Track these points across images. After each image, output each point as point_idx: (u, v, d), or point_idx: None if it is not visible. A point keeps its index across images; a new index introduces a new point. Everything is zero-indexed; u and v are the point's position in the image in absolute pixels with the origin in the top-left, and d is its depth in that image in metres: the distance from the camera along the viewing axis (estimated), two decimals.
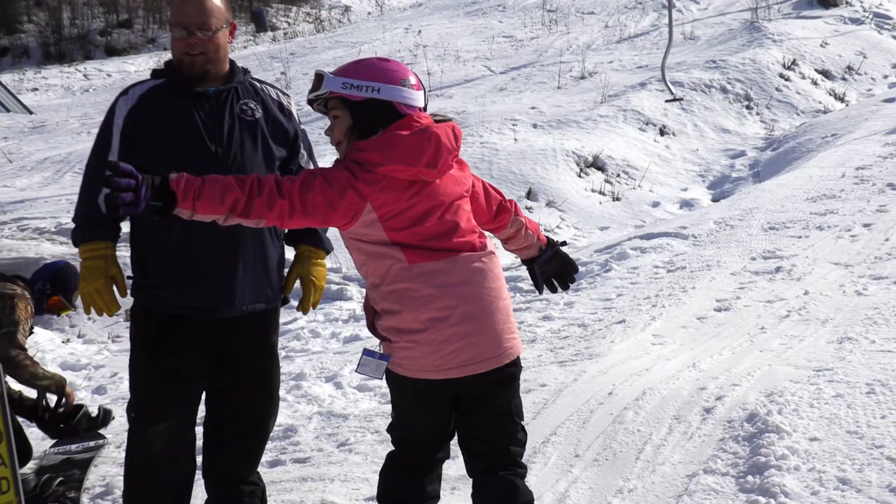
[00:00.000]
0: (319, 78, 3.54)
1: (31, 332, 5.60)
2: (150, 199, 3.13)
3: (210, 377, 4.15)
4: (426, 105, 3.55)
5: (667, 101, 13.28)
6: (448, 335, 3.37)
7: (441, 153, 3.37)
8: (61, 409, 5.59)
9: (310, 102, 3.62)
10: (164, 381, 4.03)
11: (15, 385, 5.64)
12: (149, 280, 3.99)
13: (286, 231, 4.25)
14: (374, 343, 3.68)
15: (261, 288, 4.11)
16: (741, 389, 5.53)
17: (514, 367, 3.57)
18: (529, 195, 13.56)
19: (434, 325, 3.36)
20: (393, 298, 3.41)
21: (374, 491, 4.70)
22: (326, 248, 4.36)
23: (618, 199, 13.89)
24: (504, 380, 3.52)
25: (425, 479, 3.66)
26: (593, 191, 13.98)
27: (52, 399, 5.62)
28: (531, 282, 4.24)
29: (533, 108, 16.16)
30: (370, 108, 3.41)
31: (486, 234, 3.67)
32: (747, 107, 16.77)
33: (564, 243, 3.96)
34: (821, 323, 6.85)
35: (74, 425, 5.65)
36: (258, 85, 4.21)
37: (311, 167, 4.24)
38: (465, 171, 3.62)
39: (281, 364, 7.60)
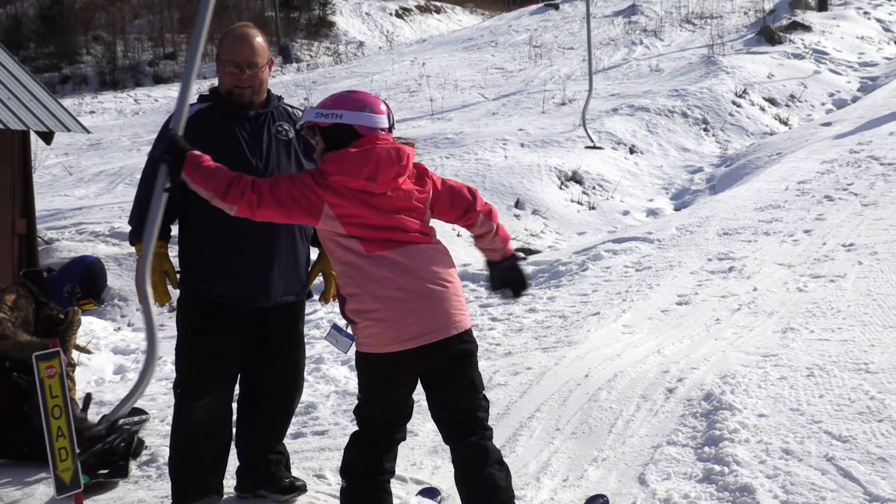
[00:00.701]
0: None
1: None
2: (165, 152, 3.55)
3: (245, 359, 4.15)
4: (391, 126, 3.61)
5: (586, 147, 12.37)
6: (402, 311, 3.42)
7: (381, 169, 3.44)
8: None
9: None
10: (208, 362, 4.03)
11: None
12: (195, 274, 4.00)
13: (313, 232, 4.25)
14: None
15: (292, 282, 4.14)
16: (699, 372, 5.51)
17: (470, 343, 3.58)
18: (518, 205, 13.53)
19: (390, 303, 3.42)
20: (355, 283, 3.47)
21: None
22: None
23: (593, 208, 13.86)
24: (463, 356, 3.53)
25: (384, 456, 3.62)
26: (572, 201, 13.94)
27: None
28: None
29: (521, 129, 16.13)
30: (335, 130, 3.52)
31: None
32: (705, 129, 16.72)
33: (524, 258, 3.98)
34: (767, 315, 6.83)
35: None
36: (290, 109, 4.26)
37: None
38: (423, 184, 3.64)
39: None
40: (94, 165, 17.03)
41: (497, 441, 4.77)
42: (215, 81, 4.27)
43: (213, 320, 4.01)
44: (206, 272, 3.99)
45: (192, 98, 3.93)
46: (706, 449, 4.48)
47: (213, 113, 4.04)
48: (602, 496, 4.27)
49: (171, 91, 25.89)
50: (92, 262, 5.48)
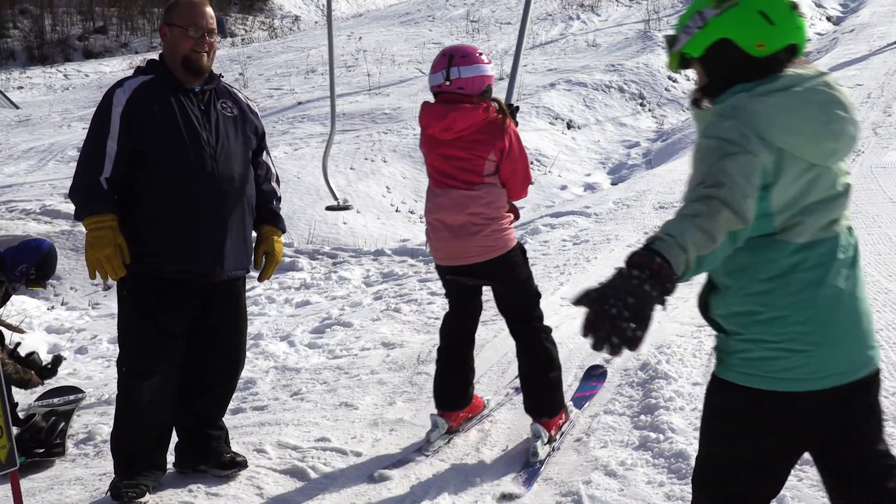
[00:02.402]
0: None
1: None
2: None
3: (191, 334, 4.13)
4: (445, 80, 4.28)
5: (327, 207, 11.06)
6: (436, 237, 4.46)
7: (429, 123, 4.35)
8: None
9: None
10: (156, 339, 4.00)
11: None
12: (144, 248, 3.93)
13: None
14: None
15: (241, 256, 4.15)
16: None
17: (497, 264, 4.45)
18: None
19: (431, 227, 4.50)
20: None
21: (323, 433, 4.74)
22: (283, 229, 4.37)
23: (531, 183, 13.95)
24: (493, 275, 4.53)
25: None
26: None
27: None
28: None
29: None
30: None
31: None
32: (641, 104, 16.91)
33: None
34: (700, 284, 6.95)
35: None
36: (230, 88, 4.27)
37: (270, 161, 4.40)
38: (487, 146, 4.28)
39: None
40: (23, 142, 16.67)
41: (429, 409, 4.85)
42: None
43: (162, 297, 3.98)
44: (158, 246, 3.94)
45: (120, 74, 3.88)
46: (642, 417, 4.57)
47: (159, 85, 4.01)
48: (600, 366, 4.52)
49: (102, 66, 25.42)
50: (49, 247, 5.60)
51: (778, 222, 2.35)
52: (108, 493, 4.01)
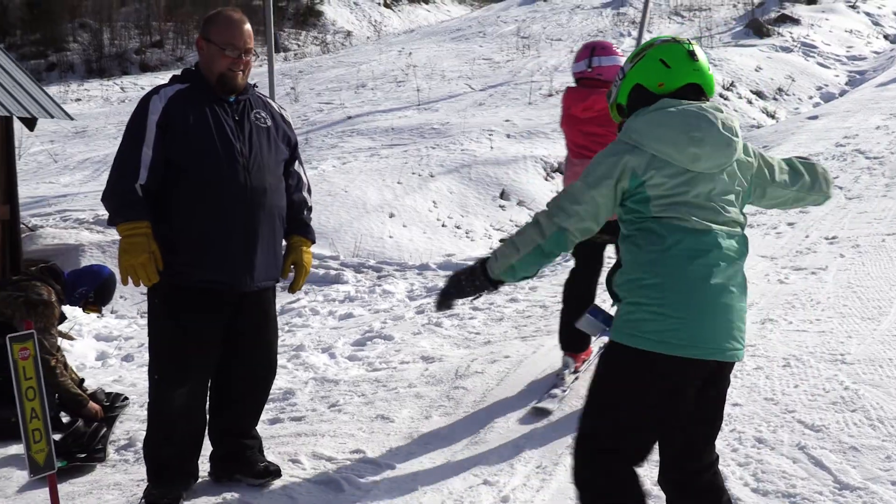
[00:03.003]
0: None
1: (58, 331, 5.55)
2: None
3: (222, 344, 4.15)
4: (587, 68, 5.27)
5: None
6: None
7: (567, 101, 5.35)
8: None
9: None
10: (188, 348, 4.01)
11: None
12: (176, 257, 3.96)
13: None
14: None
15: (272, 267, 4.16)
16: None
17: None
18: (503, 195, 13.56)
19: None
20: None
21: (358, 445, 4.74)
22: (312, 239, 4.38)
23: None
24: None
25: None
26: (557, 192, 13.95)
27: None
28: None
29: (507, 120, 16.15)
30: None
31: None
32: None
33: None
34: (748, 306, 6.87)
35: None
36: (264, 98, 4.28)
37: (302, 171, 4.41)
38: (610, 123, 4.84)
39: (283, 337, 7.68)
40: (79, 153, 16.98)
41: (473, 428, 4.84)
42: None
43: (192, 305, 3.99)
44: (190, 256, 3.95)
45: (165, 79, 3.92)
46: None
47: (194, 94, 4.02)
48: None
49: (157, 79, 25.79)
50: (110, 274, 5.72)
51: (655, 209, 2.89)
52: (143, 500, 4.04)
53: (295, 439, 4.91)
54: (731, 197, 2.96)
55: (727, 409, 4.67)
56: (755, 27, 21.35)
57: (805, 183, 3.25)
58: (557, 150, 14.85)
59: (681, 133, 2.88)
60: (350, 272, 10.44)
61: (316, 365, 6.35)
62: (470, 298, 3.08)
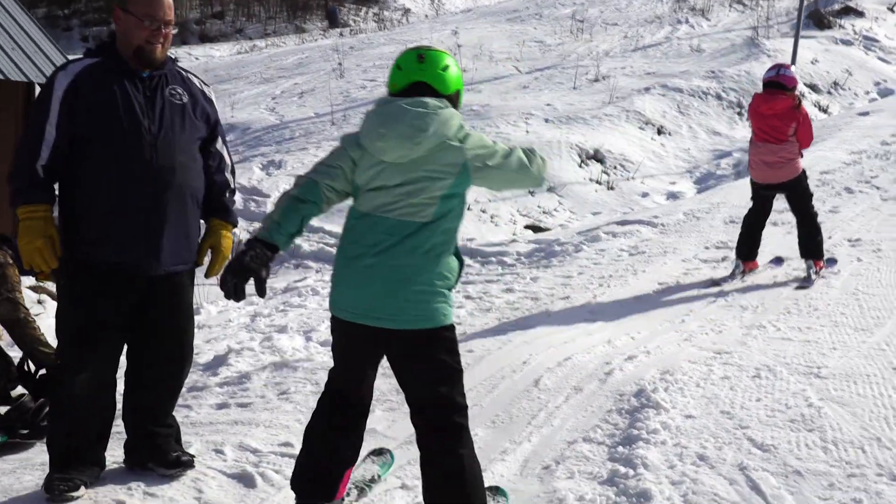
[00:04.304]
0: None
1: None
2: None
3: (132, 329, 3.99)
4: (774, 74, 7.63)
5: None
6: (756, 169, 7.78)
7: (756, 101, 7.72)
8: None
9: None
10: (88, 331, 3.85)
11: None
12: (79, 237, 3.82)
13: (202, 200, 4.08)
14: None
15: (182, 250, 3.97)
16: (641, 366, 5.25)
17: (794, 181, 7.75)
18: None
19: (755, 164, 7.80)
20: None
21: (289, 437, 4.55)
22: (234, 222, 4.19)
23: (612, 188, 13.53)
24: (795, 186, 7.94)
25: None
26: (591, 180, 13.62)
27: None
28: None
29: (548, 104, 15.81)
30: None
31: None
32: (739, 113, 16.25)
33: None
34: (742, 310, 6.55)
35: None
36: (184, 73, 4.08)
37: (224, 151, 4.19)
38: (785, 119, 7.47)
39: (273, 316, 7.52)
40: None
41: (411, 427, 4.60)
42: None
43: (95, 287, 3.82)
44: (92, 236, 3.79)
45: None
46: (619, 448, 4.23)
47: (105, 70, 3.85)
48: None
49: (212, 50, 25.89)
50: None
51: (359, 193, 3.33)
52: (42, 488, 3.90)
53: (230, 427, 4.73)
54: (423, 185, 3.25)
55: (678, 421, 4.42)
56: (816, 18, 20.62)
57: (514, 164, 3.42)
58: (594, 136, 14.50)
59: (374, 129, 3.28)
60: None
61: (283, 349, 6.16)
62: (263, 273, 3.19)
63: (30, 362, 5.41)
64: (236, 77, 20.39)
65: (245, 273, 3.17)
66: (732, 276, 7.52)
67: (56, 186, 3.84)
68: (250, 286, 3.22)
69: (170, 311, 4.02)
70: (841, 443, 4.14)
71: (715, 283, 7.40)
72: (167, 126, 3.86)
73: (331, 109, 15.75)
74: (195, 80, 4.10)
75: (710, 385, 4.91)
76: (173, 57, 4.08)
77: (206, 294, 8.19)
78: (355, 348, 3.45)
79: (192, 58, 24.64)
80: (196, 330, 7.17)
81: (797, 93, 7.57)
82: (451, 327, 3.37)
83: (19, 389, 5.52)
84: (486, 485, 3.84)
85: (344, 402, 3.54)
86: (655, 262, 8.32)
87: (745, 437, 4.25)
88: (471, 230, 11.82)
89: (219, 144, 4.12)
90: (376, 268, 3.25)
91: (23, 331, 5.39)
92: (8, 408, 5.05)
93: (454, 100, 3.40)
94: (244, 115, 16.34)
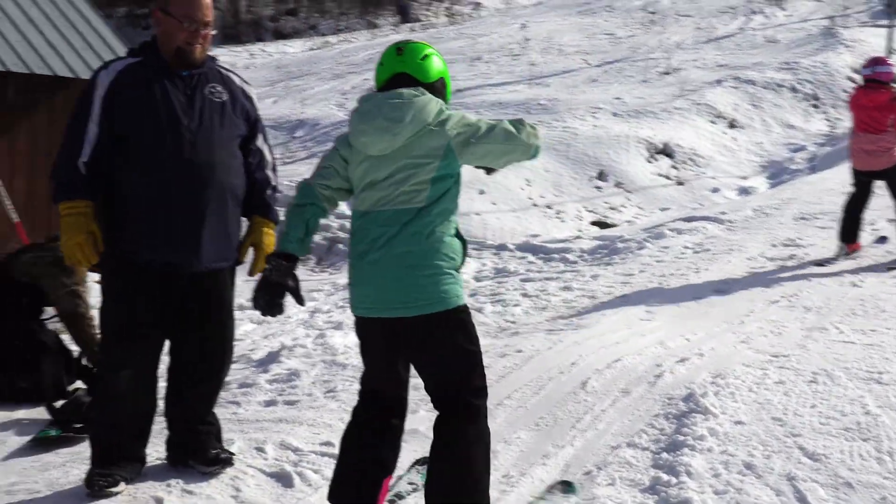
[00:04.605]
0: None
1: None
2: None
3: (172, 327, 4.01)
4: (871, 73, 8.17)
5: None
6: (855, 158, 8.29)
7: (858, 94, 8.33)
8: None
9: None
10: (129, 329, 3.89)
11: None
12: (119, 234, 3.85)
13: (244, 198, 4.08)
14: None
15: (223, 248, 3.97)
16: (693, 369, 5.10)
17: (891, 167, 8.19)
18: (600, 176, 13.09)
19: (854, 152, 8.35)
20: None
21: (332, 437, 4.52)
22: (275, 220, 4.17)
23: (681, 183, 13.30)
24: (891, 173, 8.37)
25: None
26: (659, 175, 13.40)
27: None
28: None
29: (617, 98, 15.57)
30: None
31: None
32: (814, 105, 15.85)
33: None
34: (805, 310, 6.34)
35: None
36: (224, 72, 4.08)
37: (265, 149, 4.19)
38: (884, 111, 7.98)
39: (333, 312, 7.51)
40: None
41: None
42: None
43: (135, 284, 3.85)
44: (132, 233, 3.83)
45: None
46: (664, 455, 4.10)
47: (145, 69, 3.88)
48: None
49: (286, 46, 26.11)
50: None
51: (356, 193, 3.41)
52: (84, 482, 3.93)
53: (274, 425, 4.73)
54: (409, 172, 3.30)
55: (727, 427, 4.28)
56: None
57: (499, 136, 3.41)
58: (664, 131, 14.25)
59: (356, 124, 3.37)
60: None
61: (335, 346, 6.16)
62: (290, 283, 3.30)
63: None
64: (308, 73, 20.54)
65: (272, 288, 3.29)
66: (836, 257, 8.01)
67: (98, 183, 3.88)
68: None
69: (209, 308, 4.02)
70: None
71: (819, 263, 7.86)
72: (206, 124, 3.88)
73: None
74: (235, 78, 4.11)
75: (764, 390, 4.75)
76: (213, 56, 4.08)
77: None
78: (377, 344, 3.45)
79: (266, 54, 24.89)
80: (253, 326, 7.31)
81: (894, 85, 8.05)
82: (464, 308, 3.38)
83: (77, 383, 5.64)
84: (539, 487, 3.82)
85: (378, 403, 3.52)
86: (719, 261, 8.13)
87: (796, 446, 4.09)
88: (535, 226, 11.72)
89: (259, 141, 4.12)
90: (382, 260, 3.29)
91: (80, 326, 5.48)
92: (64, 401, 5.14)
93: (439, 88, 3.43)
94: (314, 111, 16.44)
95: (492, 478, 3.99)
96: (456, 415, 3.37)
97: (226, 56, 25.10)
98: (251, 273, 4.14)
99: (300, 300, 3.35)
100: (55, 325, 5.79)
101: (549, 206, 12.41)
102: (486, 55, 19.55)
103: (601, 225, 12.01)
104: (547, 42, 19.99)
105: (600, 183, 13.08)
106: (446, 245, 3.33)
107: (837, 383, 4.79)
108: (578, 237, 10.28)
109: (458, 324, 3.36)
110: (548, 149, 13.49)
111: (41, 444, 4.70)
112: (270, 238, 4.13)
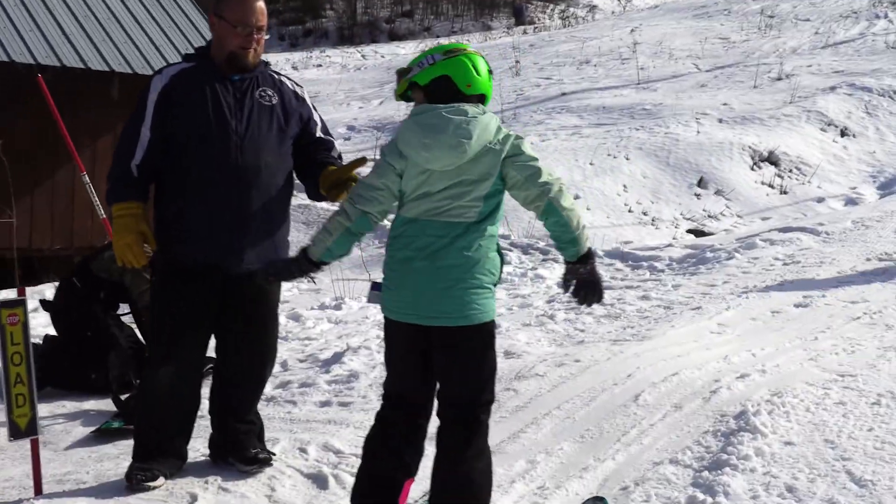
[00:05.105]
0: None
1: None
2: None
3: (219, 326, 4.11)
4: None
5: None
6: None
7: None
8: None
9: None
10: (176, 327, 4.00)
11: None
12: (168, 235, 3.97)
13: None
14: None
15: (265, 250, 4.05)
16: (752, 386, 4.94)
17: None
18: (700, 183, 12.81)
19: None
20: None
21: None
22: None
23: (785, 192, 12.90)
24: None
25: None
26: (762, 183, 13.03)
27: None
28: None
29: (724, 104, 15.21)
30: None
31: None
32: None
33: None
34: (886, 328, 6.07)
35: None
36: (276, 76, 4.18)
37: (329, 138, 4.26)
38: None
39: None
40: None
41: (498, 436, 4.51)
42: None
43: (181, 284, 3.97)
44: (179, 234, 3.96)
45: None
46: (705, 473, 3.98)
47: (198, 73, 4.01)
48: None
49: (398, 48, 26.35)
50: None
51: (404, 201, 3.41)
52: (124, 476, 4.05)
53: (322, 426, 4.78)
54: (468, 188, 3.33)
55: (775, 447, 4.14)
56: None
57: (540, 174, 3.38)
58: (770, 138, 13.85)
59: (417, 139, 3.33)
60: (517, 252, 10.17)
61: None
62: (297, 279, 3.58)
63: None
64: None
65: (287, 275, 3.59)
66: None
67: (150, 186, 4.01)
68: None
69: (252, 309, 4.11)
70: None
71: None
72: (254, 126, 3.98)
73: (501, 108, 15.71)
74: (287, 82, 4.21)
75: (822, 410, 4.57)
76: (266, 61, 4.17)
77: (351, 290, 8.35)
78: (408, 347, 3.49)
79: (378, 55, 25.19)
80: (330, 325, 7.40)
81: None
82: (494, 323, 3.49)
83: None
84: (572, 501, 3.79)
85: (406, 406, 3.56)
86: (808, 273, 7.85)
87: (844, 470, 3.92)
88: (629, 233, 11.54)
89: (319, 133, 4.20)
90: (428, 269, 3.34)
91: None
92: (128, 394, 5.30)
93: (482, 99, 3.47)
94: None
95: (527, 489, 4.00)
96: (463, 426, 3.43)
97: (338, 57, 25.55)
98: (326, 191, 4.04)
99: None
100: (130, 322, 5.98)
101: (644, 213, 12.22)
102: (595, 58, 19.36)
103: (697, 233, 11.74)
104: (658, 46, 19.66)
105: (700, 190, 12.80)
106: (490, 261, 3.40)
107: None
108: (670, 245, 10.07)
109: (488, 338, 3.47)
110: (649, 154, 13.29)
111: (104, 435, 4.86)
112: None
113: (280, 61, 24.73)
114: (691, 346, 5.75)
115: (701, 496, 3.79)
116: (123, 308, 5.94)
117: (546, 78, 18.26)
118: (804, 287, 7.32)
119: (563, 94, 16.81)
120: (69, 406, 5.45)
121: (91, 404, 5.47)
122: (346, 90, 20.09)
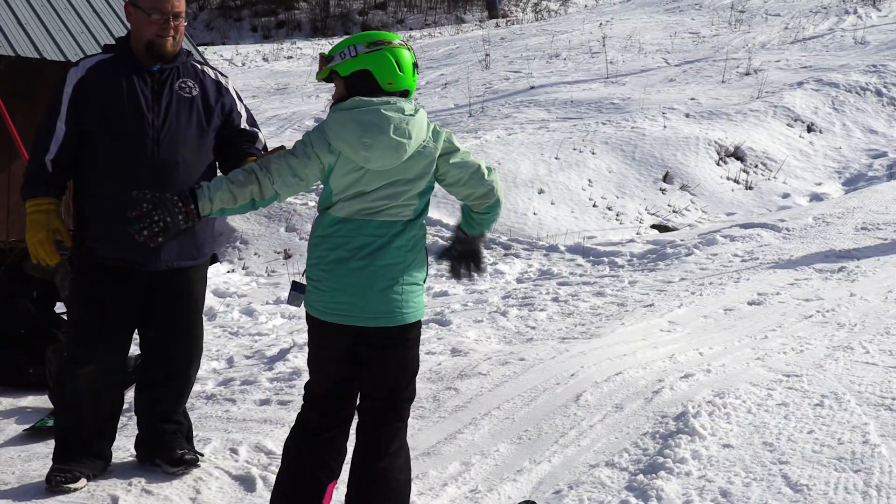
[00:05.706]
0: None
1: None
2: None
3: (138, 325, 3.99)
4: None
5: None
6: None
7: None
8: None
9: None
10: (93, 327, 3.89)
11: None
12: (85, 232, 3.85)
13: None
14: None
15: (186, 246, 3.94)
16: (695, 386, 4.86)
17: None
18: (666, 178, 12.73)
19: None
20: None
21: None
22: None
23: (750, 188, 12.84)
24: None
25: None
26: (728, 178, 12.95)
27: None
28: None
29: (692, 99, 15.14)
30: None
31: None
32: None
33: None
34: (838, 327, 6.01)
35: None
36: (198, 67, 4.05)
37: (254, 129, 4.17)
38: None
39: None
40: (271, 109, 17.39)
41: (435, 436, 4.42)
42: None
43: (100, 282, 3.85)
44: (96, 231, 3.85)
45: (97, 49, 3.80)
46: (640, 477, 3.90)
47: (115, 65, 3.88)
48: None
49: None
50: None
51: (334, 199, 3.28)
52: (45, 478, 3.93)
53: (257, 426, 4.67)
54: (405, 187, 3.28)
55: (713, 450, 4.06)
56: None
57: (471, 165, 3.40)
58: (736, 133, 13.78)
59: (355, 136, 3.20)
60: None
61: None
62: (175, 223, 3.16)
63: None
64: None
65: (166, 234, 3.19)
66: None
67: (65, 181, 3.87)
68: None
69: (175, 307, 4.00)
70: (886, 488, 3.70)
71: None
72: (172, 120, 3.86)
73: (469, 101, 15.60)
74: (210, 73, 4.09)
75: (763, 412, 4.50)
76: (188, 50, 4.05)
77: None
78: (342, 349, 3.41)
79: None
80: (283, 321, 7.29)
81: None
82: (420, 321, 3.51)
83: None
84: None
85: (331, 408, 3.48)
86: (765, 271, 7.80)
87: (780, 474, 3.85)
88: (592, 227, 11.47)
89: (244, 124, 4.08)
90: (366, 269, 3.28)
91: None
92: None
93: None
94: None
95: (458, 492, 3.91)
96: (386, 422, 3.42)
97: (308, 49, 25.33)
98: None
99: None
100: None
101: (609, 208, 12.13)
102: (565, 52, 19.23)
103: (661, 228, 11.67)
104: (628, 40, 19.57)
105: (665, 185, 12.71)
106: (422, 259, 3.40)
107: (844, 408, 4.51)
108: (632, 241, 10.01)
109: (419, 334, 3.51)
110: (614, 149, 13.20)
111: (38, 433, 4.73)
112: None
113: (251, 53, 24.55)
114: (639, 344, 5.67)
115: (634, 500, 3.71)
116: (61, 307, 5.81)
117: (515, 71, 18.13)
118: (760, 284, 7.26)
119: (532, 87, 16.68)
120: (5, 403, 5.33)
121: (28, 401, 5.34)
122: (315, 83, 19.88)
